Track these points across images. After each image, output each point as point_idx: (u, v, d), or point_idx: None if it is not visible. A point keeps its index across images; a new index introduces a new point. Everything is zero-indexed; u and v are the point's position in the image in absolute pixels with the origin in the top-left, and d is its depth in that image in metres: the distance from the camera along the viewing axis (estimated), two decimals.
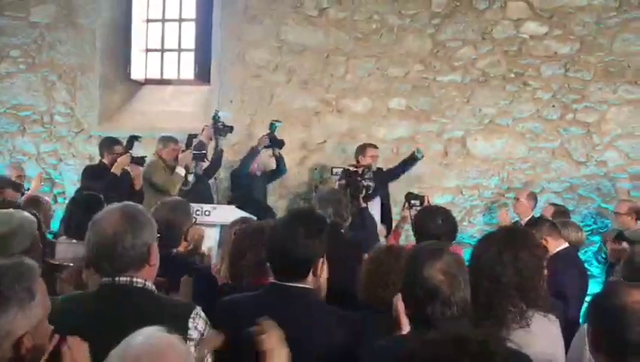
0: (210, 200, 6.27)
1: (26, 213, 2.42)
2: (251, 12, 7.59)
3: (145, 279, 1.98)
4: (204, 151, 6.19)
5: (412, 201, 5.17)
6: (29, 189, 6.31)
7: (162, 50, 8.43)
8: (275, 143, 6.50)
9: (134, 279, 1.95)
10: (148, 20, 8.42)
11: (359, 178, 5.35)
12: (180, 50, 8.38)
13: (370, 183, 5.54)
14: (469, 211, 7.12)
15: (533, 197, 6.38)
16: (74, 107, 8.15)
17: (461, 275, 1.91)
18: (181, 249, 3.01)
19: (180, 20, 8.38)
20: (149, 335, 1.33)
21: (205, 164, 6.34)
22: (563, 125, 6.94)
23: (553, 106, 6.97)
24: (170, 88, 8.32)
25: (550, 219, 4.74)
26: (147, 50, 8.42)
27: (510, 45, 7.03)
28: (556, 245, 3.98)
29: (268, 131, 6.51)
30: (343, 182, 5.47)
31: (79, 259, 2.84)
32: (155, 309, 1.90)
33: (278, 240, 2.21)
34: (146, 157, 6.02)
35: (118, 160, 5.77)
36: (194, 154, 6.05)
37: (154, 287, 2.05)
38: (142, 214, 2.03)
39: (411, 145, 7.25)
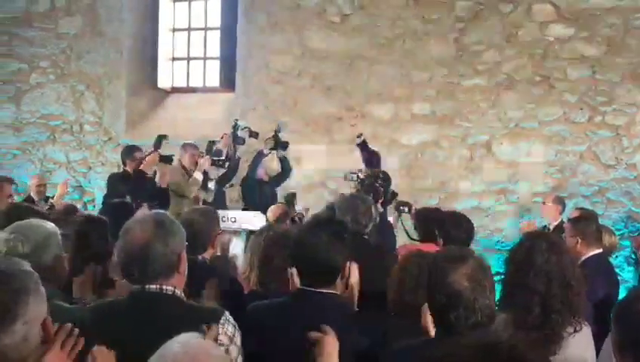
0: (223, 208, 6.33)
1: (49, 226, 2.42)
2: (274, 20, 7.65)
3: (174, 286, 2.00)
4: (223, 158, 6.28)
5: (401, 207, 5.38)
6: (52, 197, 6.45)
7: (188, 59, 8.55)
8: (280, 145, 6.54)
9: (164, 287, 1.97)
10: (174, 29, 8.54)
11: (376, 182, 5.36)
12: (205, 58, 8.49)
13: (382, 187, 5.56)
14: (495, 216, 7.05)
15: (560, 201, 6.28)
16: (102, 116, 8.31)
17: (486, 281, 1.88)
18: (207, 255, 3.04)
19: (206, 29, 8.48)
20: (186, 342, 1.34)
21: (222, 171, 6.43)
22: (591, 128, 6.85)
23: (581, 109, 6.87)
24: (196, 96, 8.43)
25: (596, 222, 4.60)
26: (173, 59, 8.54)
27: (536, 48, 6.96)
28: (592, 249, 3.91)
29: (272, 134, 6.52)
30: (360, 186, 5.50)
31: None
32: (185, 316, 1.92)
33: (304, 246, 2.22)
34: (173, 155, 6.14)
35: (147, 158, 5.88)
36: (213, 160, 6.14)
37: (183, 294, 2.08)
38: (172, 222, 2.06)
39: (435, 151, 7.23)
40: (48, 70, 8.45)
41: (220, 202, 6.33)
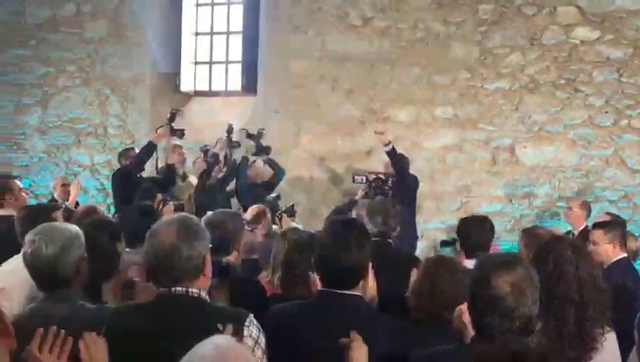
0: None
1: (73, 228, 2.45)
2: (296, 23, 7.68)
3: (199, 289, 2.03)
4: (212, 159, 6.38)
5: None
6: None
7: (210, 63, 8.62)
8: (261, 150, 6.60)
9: (190, 289, 1.99)
10: (197, 33, 8.62)
11: (384, 184, 5.39)
12: (227, 62, 8.55)
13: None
14: (518, 220, 6.98)
15: (586, 206, 6.19)
16: (126, 119, 8.41)
17: (531, 292, 1.86)
18: (232, 258, 3.06)
19: (228, 33, 8.55)
20: (219, 344, 1.35)
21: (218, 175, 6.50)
22: (617, 132, 6.75)
23: (606, 112, 6.78)
24: (218, 99, 8.49)
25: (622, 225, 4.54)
26: (196, 63, 8.62)
27: (560, 51, 6.89)
28: (616, 253, 3.86)
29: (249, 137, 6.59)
30: (368, 189, 5.55)
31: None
32: (210, 318, 1.94)
33: (327, 248, 2.23)
34: (184, 130, 6.21)
35: (158, 131, 6.04)
36: (206, 162, 6.25)
37: (208, 297, 2.10)
38: (197, 226, 2.09)
39: (457, 154, 7.18)
40: (74, 74, 8.59)
41: (224, 207, 6.37)
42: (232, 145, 6.55)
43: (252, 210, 4.40)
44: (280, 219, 4.68)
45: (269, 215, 4.38)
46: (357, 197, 5.92)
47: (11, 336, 1.48)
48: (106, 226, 3.14)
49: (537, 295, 1.87)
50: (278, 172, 6.76)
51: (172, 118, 6.32)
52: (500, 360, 1.14)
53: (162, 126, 6.22)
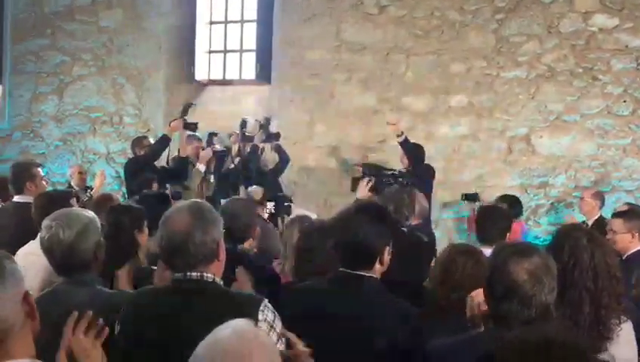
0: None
1: (90, 213, 2.47)
2: (311, 12, 7.64)
3: (214, 274, 2.04)
4: (224, 149, 6.53)
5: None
6: (92, 188, 6.60)
7: (225, 52, 8.62)
8: (271, 137, 6.65)
9: (204, 274, 2.01)
10: (211, 22, 8.62)
11: (385, 176, 5.40)
12: (241, 50, 8.54)
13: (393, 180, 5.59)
14: (534, 210, 6.93)
15: (599, 196, 6.13)
16: (141, 108, 8.45)
17: (548, 280, 1.85)
18: (247, 246, 3.07)
19: (242, 22, 8.54)
20: (237, 328, 1.35)
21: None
22: (635, 121, 6.66)
23: (624, 102, 6.69)
24: (232, 88, 8.50)
25: None
26: (210, 52, 8.62)
27: (578, 39, 6.79)
28: (635, 243, 3.83)
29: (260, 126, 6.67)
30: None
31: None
32: (225, 303, 1.96)
33: (347, 228, 2.24)
34: (197, 123, 6.28)
35: (172, 123, 6.09)
36: (214, 152, 6.32)
37: (222, 282, 2.11)
38: (210, 211, 2.10)
39: (472, 144, 7.13)
40: (90, 63, 8.64)
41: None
42: (246, 139, 6.60)
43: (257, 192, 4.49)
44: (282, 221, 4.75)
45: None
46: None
47: (36, 319, 1.50)
48: (128, 212, 3.18)
49: (555, 283, 1.86)
50: (282, 158, 6.78)
51: (185, 111, 6.38)
52: (537, 348, 1.10)
53: (176, 119, 6.26)
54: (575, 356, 1.10)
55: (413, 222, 3.93)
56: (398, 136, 6.08)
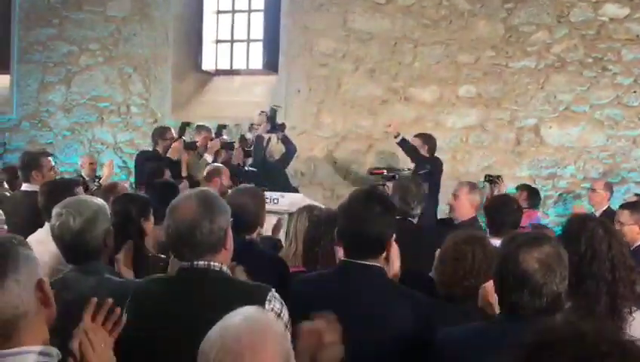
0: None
1: (99, 201, 2.47)
2: (318, 1, 7.59)
3: (221, 263, 2.03)
4: (233, 141, 6.54)
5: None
6: (101, 177, 6.62)
7: (232, 41, 8.59)
8: (277, 128, 6.60)
9: (212, 263, 2.00)
10: (218, 12, 8.59)
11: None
12: (249, 40, 8.51)
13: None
14: (542, 201, 6.88)
15: (609, 187, 6.10)
16: (148, 98, 8.45)
17: (558, 269, 1.83)
18: (255, 235, 3.06)
19: (250, 11, 8.50)
20: (249, 316, 1.34)
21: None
22: None
23: (634, 92, 6.62)
24: (240, 78, 8.48)
25: None
26: (217, 41, 8.60)
27: (588, 29, 6.72)
28: None
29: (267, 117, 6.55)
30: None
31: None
32: (233, 292, 1.95)
33: (352, 217, 2.21)
34: (197, 142, 6.32)
35: (173, 145, 6.05)
36: (222, 143, 6.34)
37: (229, 271, 2.11)
38: (217, 200, 2.09)
39: (481, 134, 7.09)
40: (97, 52, 8.63)
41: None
42: (276, 129, 6.58)
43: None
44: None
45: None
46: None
47: (52, 306, 1.49)
48: (134, 201, 3.18)
49: (566, 273, 1.84)
50: (288, 148, 6.76)
51: (182, 130, 6.37)
52: (573, 340, 1.07)
53: (176, 140, 6.18)
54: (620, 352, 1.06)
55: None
56: (395, 137, 6.29)
